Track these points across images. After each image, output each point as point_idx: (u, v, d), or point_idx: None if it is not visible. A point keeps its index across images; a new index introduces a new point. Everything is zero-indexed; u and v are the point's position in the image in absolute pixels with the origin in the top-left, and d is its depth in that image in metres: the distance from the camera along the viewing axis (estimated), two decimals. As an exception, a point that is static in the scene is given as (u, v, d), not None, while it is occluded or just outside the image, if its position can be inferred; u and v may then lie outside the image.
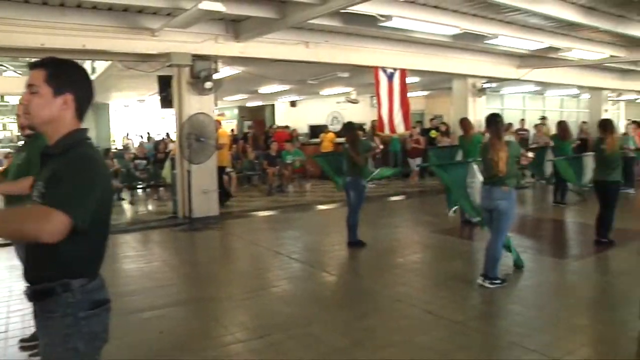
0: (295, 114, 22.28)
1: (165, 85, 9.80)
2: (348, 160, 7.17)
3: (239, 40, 9.06)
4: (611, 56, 11.65)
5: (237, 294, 5.45)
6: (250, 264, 6.79)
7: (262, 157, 14.32)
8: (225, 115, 24.84)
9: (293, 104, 22.34)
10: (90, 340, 1.93)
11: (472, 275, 5.68)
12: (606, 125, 7.21)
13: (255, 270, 6.46)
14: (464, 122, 8.91)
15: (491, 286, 5.36)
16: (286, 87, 16.16)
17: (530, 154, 5.79)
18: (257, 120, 24.01)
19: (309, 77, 13.08)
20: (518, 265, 6.06)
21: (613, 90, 17.69)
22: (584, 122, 16.67)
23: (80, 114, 1.99)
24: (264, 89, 16.96)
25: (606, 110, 17.54)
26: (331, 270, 6.36)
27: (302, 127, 21.04)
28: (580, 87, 17.31)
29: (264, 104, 23.93)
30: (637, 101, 23.33)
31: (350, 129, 7.34)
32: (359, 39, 9.96)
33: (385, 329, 4.37)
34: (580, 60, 12.19)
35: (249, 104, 23.87)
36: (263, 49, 9.36)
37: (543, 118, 16.83)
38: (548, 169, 10.44)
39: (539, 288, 5.57)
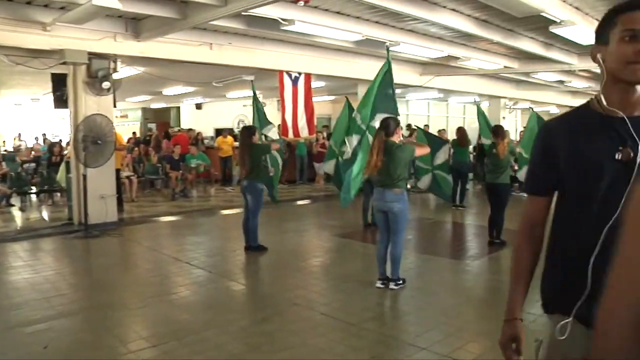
0: (201, 116, 21.94)
1: (59, 83, 9.34)
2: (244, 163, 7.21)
3: (139, 39, 8.83)
4: (505, 67, 12.47)
5: (133, 303, 5.31)
6: (148, 271, 6.62)
7: (164, 161, 14.00)
8: (128, 116, 24.09)
9: (199, 106, 21.99)
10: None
11: (370, 277, 5.87)
12: (497, 132, 7.76)
13: (153, 277, 6.31)
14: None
15: (396, 287, 5.58)
16: (191, 89, 15.90)
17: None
18: (161, 122, 23.43)
19: (214, 79, 12.96)
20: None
21: (510, 98, 18.85)
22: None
23: None
24: (168, 91, 16.60)
25: (504, 118, 18.62)
26: (231, 276, 6.34)
27: (208, 130, 20.78)
28: (480, 94, 18.32)
29: (168, 105, 23.40)
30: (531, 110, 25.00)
31: (243, 133, 7.32)
32: (264, 42, 10.02)
33: (283, 333, 4.43)
34: (479, 70, 12.90)
35: (154, 106, 23.25)
36: (165, 50, 9.18)
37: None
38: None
39: (433, 288, 5.84)
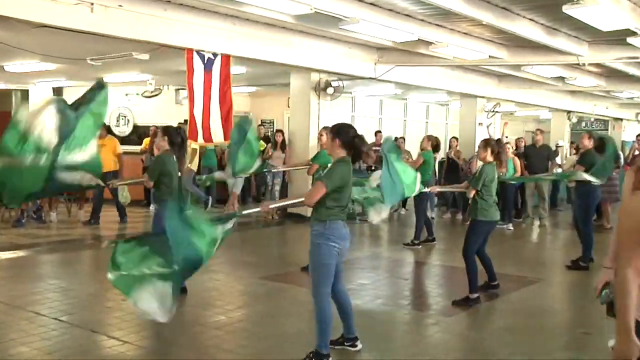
0: (62, 106, 21.39)
1: None
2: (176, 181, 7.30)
3: (-25, -15, 8.46)
4: (490, 57, 12.92)
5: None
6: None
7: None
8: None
9: (58, 91, 21.44)
10: None
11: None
12: (496, 145, 7.99)
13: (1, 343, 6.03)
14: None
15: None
16: (52, 66, 15.46)
17: None
18: (-1, 112, 22.67)
19: (90, 54, 12.67)
20: None
21: (489, 99, 19.50)
22: (454, 138, 17.95)
23: None
24: (14, 66, 16.03)
25: (480, 124, 19.22)
26: (123, 336, 6.23)
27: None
28: (450, 92, 18.88)
29: (10, 87, 22.66)
30: (516, 114, 25.92)
31: (179, 134, 7.48)
32: (168, 7, 9.85)
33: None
34: (454, 60, 13.30)
35: (-17, 86, 22.47)
36: (20, 6, 8.79)
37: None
38: None
39: (400, 349, 6.08)
